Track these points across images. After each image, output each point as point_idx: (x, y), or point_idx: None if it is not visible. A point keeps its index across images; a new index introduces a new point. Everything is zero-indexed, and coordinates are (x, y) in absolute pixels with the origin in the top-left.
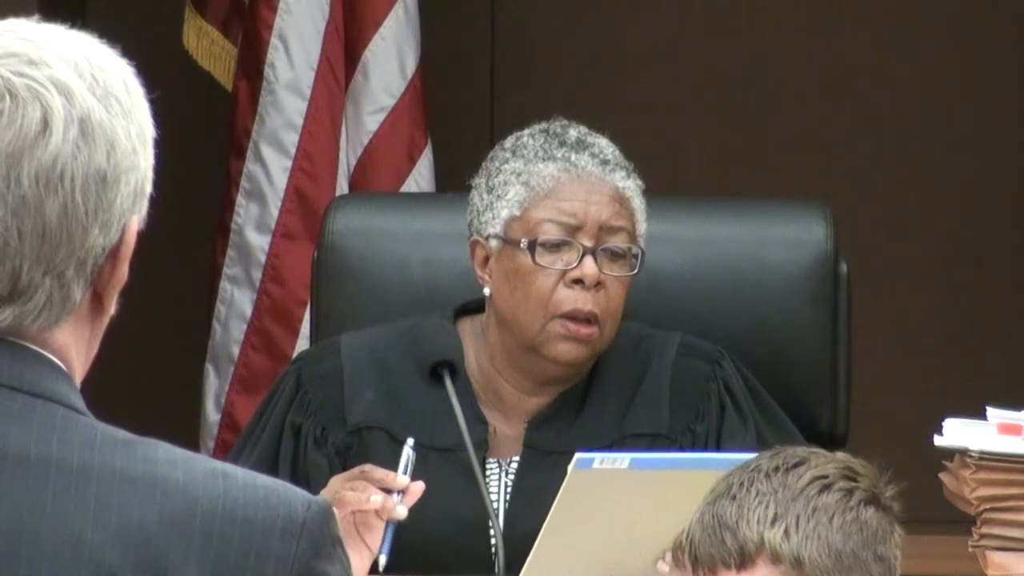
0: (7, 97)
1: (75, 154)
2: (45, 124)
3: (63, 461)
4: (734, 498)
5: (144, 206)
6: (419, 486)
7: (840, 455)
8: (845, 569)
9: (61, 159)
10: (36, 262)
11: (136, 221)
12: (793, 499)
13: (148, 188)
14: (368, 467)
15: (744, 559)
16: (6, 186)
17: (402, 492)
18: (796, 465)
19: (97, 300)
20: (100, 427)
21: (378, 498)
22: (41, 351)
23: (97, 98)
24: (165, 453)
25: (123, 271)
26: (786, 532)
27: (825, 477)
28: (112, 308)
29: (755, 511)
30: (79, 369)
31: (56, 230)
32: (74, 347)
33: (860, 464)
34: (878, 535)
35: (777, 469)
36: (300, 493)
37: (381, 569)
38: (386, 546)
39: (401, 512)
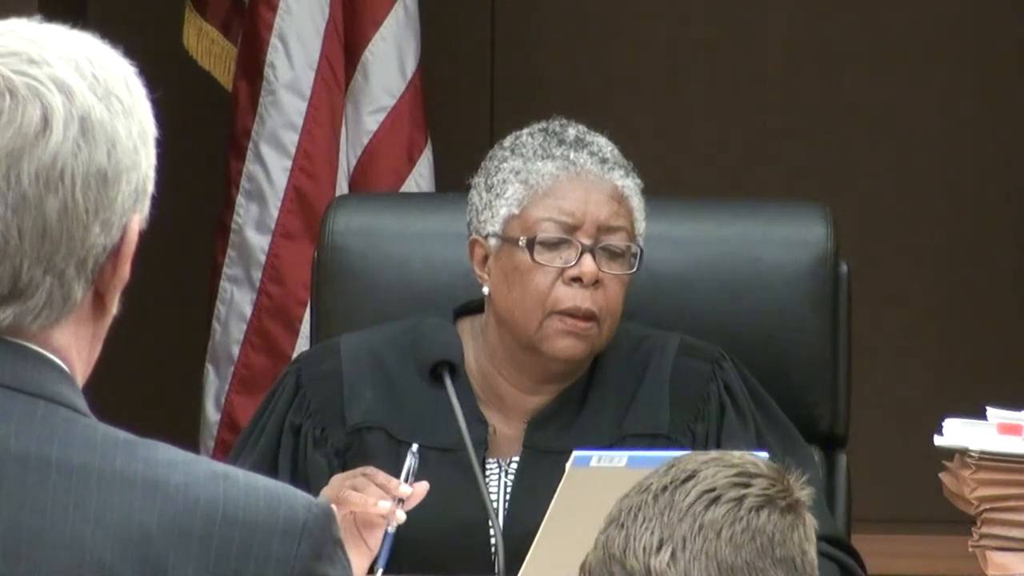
0: (7, 95)
1: (75, 152)
2: (45, 122)
3: (64, 462)
4: (622, 526)
5: (146, 205)
6: (423, 487)
7: (736, 456)
8: None
9: (61, 157)
10: (36, 261)
11: (138, 220)
12: (680, 519)
13: (150, 187)
14: (371, 470)
15: None
16: (6, 184)
17: (402, 500)
18: (685, 480)
19: (99, 300)
20: (101, 428)
21: (386, 504)
22: (42, 351)
23: (98, 97)
24: (166, 455)
25: (125, 270)
26: (673, 556)
27: (712, 490)
28: (114, 308)
29: (641, 539)
30: (81, 369)
31: (56, 229)
32: (75, 347)
33: (756, 464)
34: (774, 539)
35: (665, 488)
36: (301, 495)
37: None
38: (384, 556)
39: (400, 517)
